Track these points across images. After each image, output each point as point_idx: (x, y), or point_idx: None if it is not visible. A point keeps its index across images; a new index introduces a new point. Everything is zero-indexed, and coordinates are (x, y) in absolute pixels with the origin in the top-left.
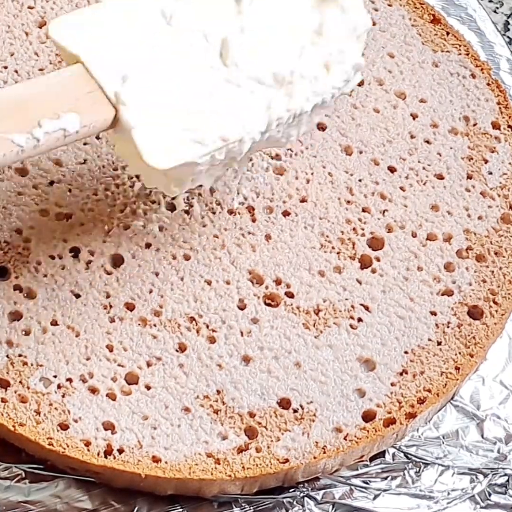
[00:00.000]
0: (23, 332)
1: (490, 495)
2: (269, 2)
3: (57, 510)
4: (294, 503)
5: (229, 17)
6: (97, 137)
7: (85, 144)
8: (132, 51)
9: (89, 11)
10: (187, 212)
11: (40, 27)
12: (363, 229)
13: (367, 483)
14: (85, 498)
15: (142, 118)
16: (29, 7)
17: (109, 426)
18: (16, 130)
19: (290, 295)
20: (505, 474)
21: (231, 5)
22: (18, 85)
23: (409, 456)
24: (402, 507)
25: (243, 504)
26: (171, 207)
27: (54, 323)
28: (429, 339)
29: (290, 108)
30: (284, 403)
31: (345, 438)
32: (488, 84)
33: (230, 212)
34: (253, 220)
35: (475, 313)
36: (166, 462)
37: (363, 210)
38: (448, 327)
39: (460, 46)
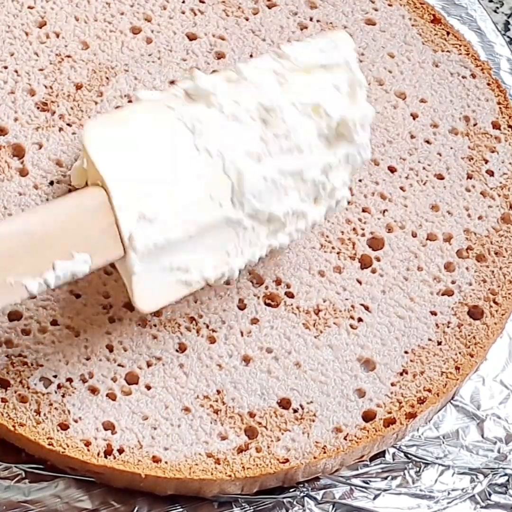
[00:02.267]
0: (23, 332)
1: (490, 495)
2: (292, 131)
3: (57, 510)
4: (294, 503)
5: (253, 141)
6: None
7: None
8: (152, 176)
9: (120, 118)
10: None
11: (40, 27)
12: (363, 229)
13: (367, 483)
14: (85, 498)
15: (144, 264)
16: (29, 7)
17: (109, 426)
18: (30, 272)
19: (290, 295)
20: (505, 474)
21: (258, 126)
22: (37, 214)
23: (409, 456)
24: (402, 507)
25: (243, 504)
26: None
27: (54, 323)
28: (429, 339)
29: (272, 245)
30: (284, 403)
31: (345, 438)
32: (488, 84)
33: None
34: None
35: (475, 313)
36: (166, 462)
37: (363, 210)
38: (448, 327)
39: (460, 46)
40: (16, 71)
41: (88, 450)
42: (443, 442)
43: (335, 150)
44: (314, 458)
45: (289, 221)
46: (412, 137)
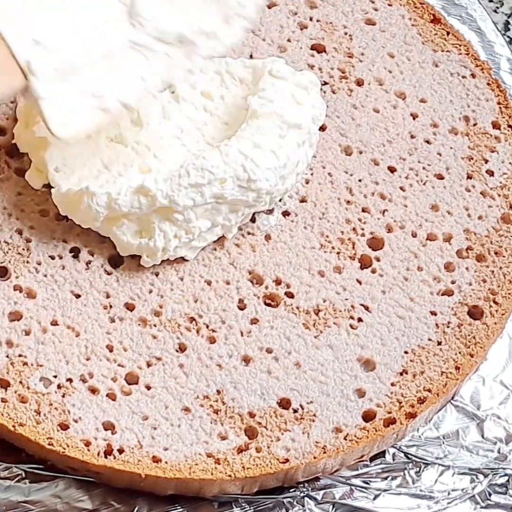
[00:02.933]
0: (23, 332)
1: (490, 495)
2: None
3: (57, 510)
4: (294, 503)
5: None
6: None
7: None
8: (42, 6)
9: None
10: None
11: None
12: (363, 229)
13: (367, 483)
14: (85, 498)
15: (50, 88)
16: None
17: (109, 426)
18: None
19: (290, 295)
20: (505, 474)
21: None
22: None
23: (409, 456)
24: (402, 507)
25: (243, 504)
26: None
27: (54, 323)
28: (429, 339)
29: (189, 68)
30: (284, 403)
31: (345, 438)
32: (488, 84)
33: None
34: (253, 220)
35: (475, 313)
36: (166, 462)
37: (363, 210)
38: (448, 327)
39: (460, 46)
40: None
41: (88, 450)
42: (443, 442)
43: None
44: (314, 458)
45: (200, 42)
46: (412, 137)
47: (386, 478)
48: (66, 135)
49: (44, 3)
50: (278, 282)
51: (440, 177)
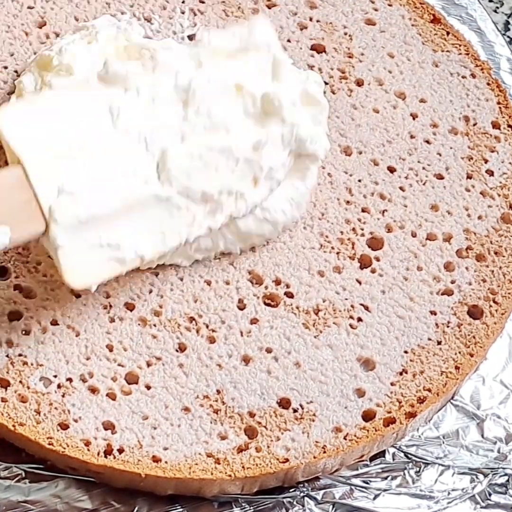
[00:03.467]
0: (23, 332)
1: (490, 495)
2: (214, 109)
3: (57, 510)
4: (294, 503)
5: (174, 121)
6: None
7: None
8: (71, 153)
9: (38, 101)
10: None
11: (40, 27)
12: (362, 229)
13: (367, 483)
14: (85, 498)
15: (69, 237)
16: (29, 7)
17: (109, 426)
18: None
19: (289, 295)
20: (505, 474)
21: (178, 107)
22: None
23: (409, 456)
24: (402, 507)
25: (243, 504)
26: None
27: (54, 323)
28: (429, 339)
29: (210, 226)
30: (284, 403)
31: (345, 438)
32: (488, 84)
33: None
34: None
35: (475, 312)
36: (166, 462)
37: (363, 210)
38: (448, 326)
39: (460, 45)
40: (15, 71)
41: (88, 449)
42: (443, 442)
43: (265, 128)
44: (314, 458)
45: (226, 201)
46: (411, 137)
47: (386, 478)
48: (80, 286)
49: (73, 149)
50: (277, 282)
51: (440, 177)
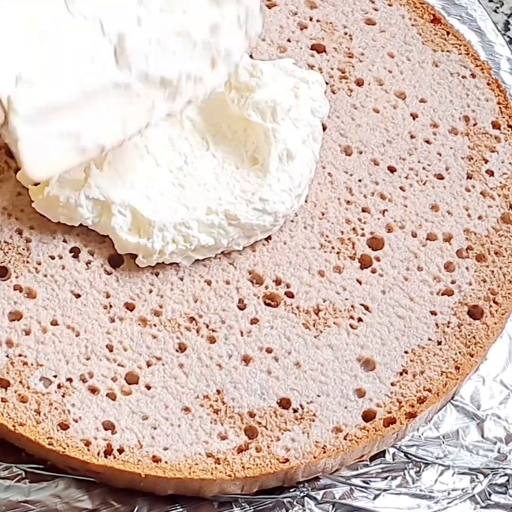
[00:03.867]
0: (23, 332)
1: (490, 495)
2: None
3: (57, 510)
4: (294, 503)
5: (129, 4)
6: None
7: None
8: (26, 40)
9: None
10: None
11: None
12: (363, 229)
13: (367, 483)
14: (85, 498)
15: (29, 128)
16: None
17: (109, 426)
18: None
19: (290, 295)
20: (505, 474)
21: None
22: None
23: (409, 456)
24: (402, 507)
25: (243, 504)
26: None
27: (54, 323)
28: (429, 339)
29: (170, 111)
30: (284, 403)
31: (345, 438)
32: (488, 84)
33: None
34: None
35: (475, 312)
36: (166, 462)
37: (363, 210)
38: (448, 326)
39: (460, 45)
40: None
41: (88, 450)
42: (443, 442)
43: (221, 9)
44: (314, 458)
45: (185, 85)
46: (412, 137)
47: (386, 478)
48: (40, 177)
49: (27, 36)
50: (278, 282)
51: (440, 177)
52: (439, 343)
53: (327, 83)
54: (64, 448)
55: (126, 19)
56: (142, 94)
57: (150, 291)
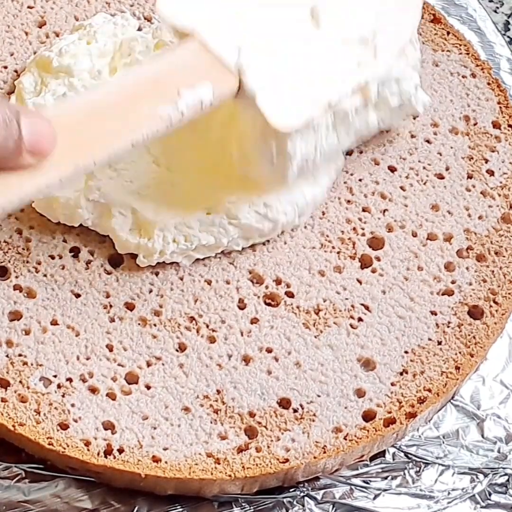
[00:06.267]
0: (23, 332)
1: (490, 494)
2: None
3: (57, 510)
4: (294, 503)
5: None
6: None
7: None
8: (239, 20)
9: None
10: None
11: (40, 27)
12: (363, 229)
13: (367, 483)
14: (85, 498)
15: (263, 85)
16: (29, 7)
17: (109, 426)
18: (161, 103)
19: (290, 294)
20: (506, 474)
21: None
22: (144, 65)
23: (410, 455)
24: (402, 506)
25: (243, 504)
26: None
27: (54, 322)
28: (429, 339)
29: (377, 68)
30: (284, 403)
31: (345, 438)
32: (489, 84)
33: None
34: None
35: (475, 312)
36: (166, 462)
37: (363, 210)
38: (448, 326)
39: (460, 45)
40: (16, 71)
41: (88, 450)
42: (443, 442)
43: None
44: (314, 458)
45: (381, 39)
46: (412, 136)
47: (386, 478)
48: (288, 127)
49: (237, 10)
50: (278, 281)
51: (440, 176)
52: (439, 343)
53: None
54: (64, 448)
55: None
56: (346, 53)
57: (150, 291)
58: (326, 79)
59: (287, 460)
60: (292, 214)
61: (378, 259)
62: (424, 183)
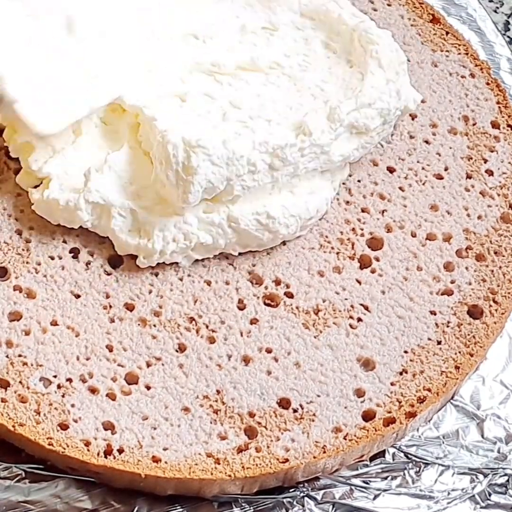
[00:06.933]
0: (23, 333)
1: (490, 495)
2: None
3: (57, 510)
4: (294, 503)
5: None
6: None
7: None
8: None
9: None
10: None
11: None
12: (362, 229)
13: (367, 483)
14: (85, 498)
15: (24, 92)
16: None
17: (109, 426)
18: None
19: (289, 295)
20: (505, 474)
21: None
22: None
23: (409, 456)
24: (402, 507)
25: (243, 504)
26: None
27: (54, 323)
28: (429, 339)
29: None
30: (284, 403)
31: (345, 438)
32: (488, 84)
33: None
34: None
35: (475, 312)
36: (166, 462)
37: (362, 211)
38: (448, 326)
39: (459, 45)
40: None
41: (88, 450)
42: (443, 442)
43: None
44: (314, 458)
45: None
46: (411, 137)
47: (386, 478)
48: (47, 131)
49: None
50: (277, 282)
51: (439, 177)
52: (439, 342)
53: None
54: (64, 448)
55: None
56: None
57: (150, 292)
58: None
59: (287, 460)
60: (294, 227)
61: (377, 259)
62: (423, 184)
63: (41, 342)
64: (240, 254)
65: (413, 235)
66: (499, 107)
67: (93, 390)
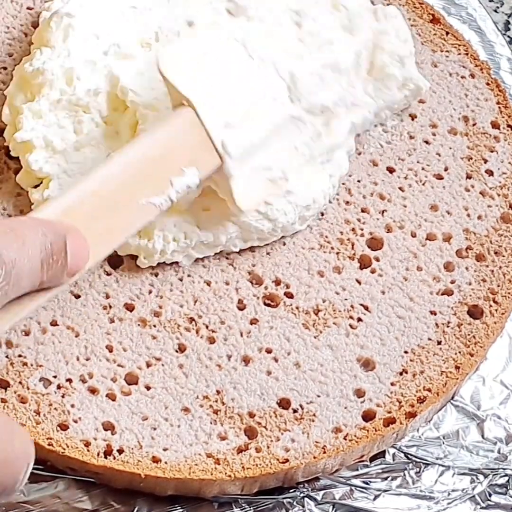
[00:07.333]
0: (23, 333)
1: (490, 495)
2: (320, 27)
3: (57, 510)
4: (294, 503)
5: (292, 43)
6: None
7: None
8: (225, 88)
9: (189, 44)
10: None
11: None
12: (362, 230)
13: (367, 484)
14: (85, 498)
15: (238, 166)
16: (28, 8)
17: (109, 427)
18: (153, 194)
19: (289, 295)
20: (506, 475)
21: (292, 29)
22: (143, 142)
23: (410, 456)
24: (402, 507)
25: (243, 505)
26: None
27: (54, 323)
28: (429, 339)
29: (328, 132)
30: (284, 403)
31: (345, 438)
32: (488, 84)
33: None
34: None
35: (475, 312)
36: (166, 463)
37: (362, 210)
38: (448, 326)
39: (459, 46)
40: None
41: (88, 450)
42: (443, 443)
43: (359, 38)
44: (314, 458)
45: (341, 111)
46: (411, 137)
47: (386, 479)
48: (249, 207)
49: (224, 84)
50: (277, 282)
51: (439, 177)
52: (439, 342)
53: None
54: (64, 449)
55: (292, 58)
56: (308, 122)
57: (150, 292)
58: (285, 152)
59: (287, 460)
60: (292, 214)
61: (377, 259)
62: (423, 184)
63: (41, 342)
64: (240, 254)
65: (413, 235)
66: (499, 107)
67: (93, 391)
